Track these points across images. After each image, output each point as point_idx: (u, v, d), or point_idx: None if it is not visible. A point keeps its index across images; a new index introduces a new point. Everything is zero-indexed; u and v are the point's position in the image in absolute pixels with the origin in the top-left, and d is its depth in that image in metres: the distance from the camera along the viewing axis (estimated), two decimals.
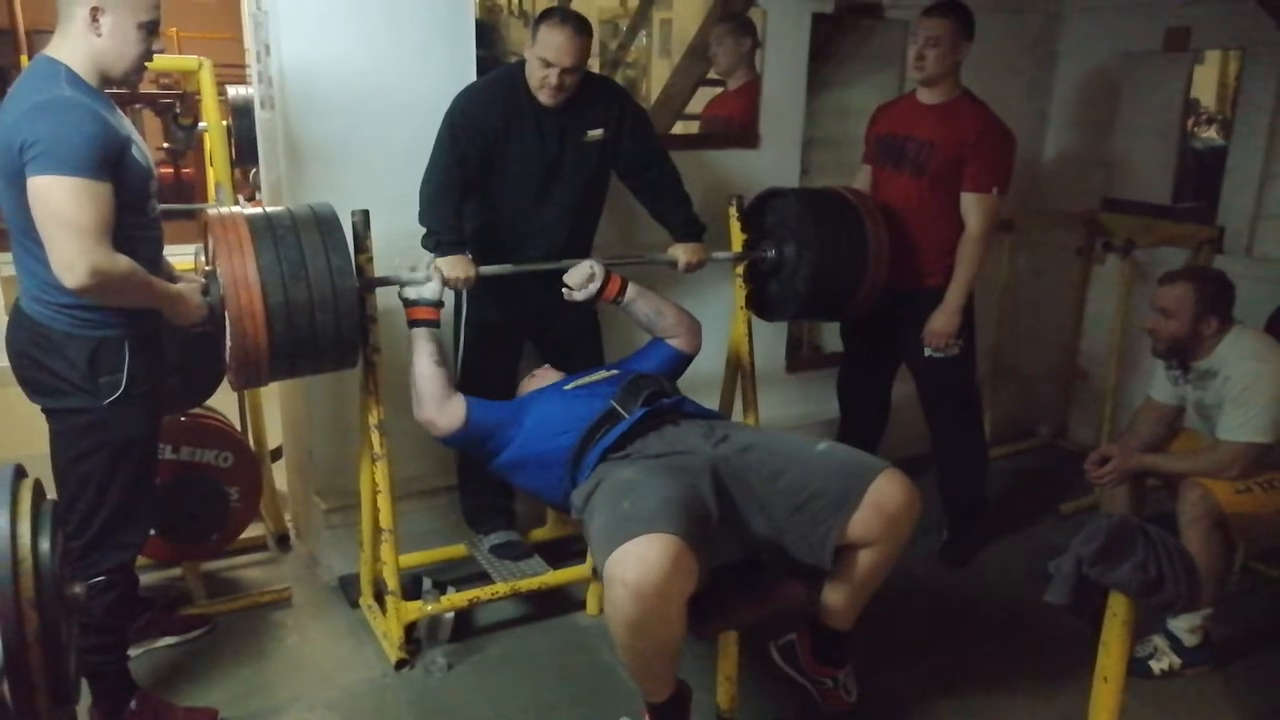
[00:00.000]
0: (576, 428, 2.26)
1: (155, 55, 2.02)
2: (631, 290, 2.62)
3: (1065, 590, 1.88)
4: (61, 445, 2.04)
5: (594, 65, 4.04)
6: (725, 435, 2.22)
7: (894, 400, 3.39)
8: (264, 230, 2.17)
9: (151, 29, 1.97)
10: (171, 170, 6.33)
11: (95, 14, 1.88)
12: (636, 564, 1.75)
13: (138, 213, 1.97)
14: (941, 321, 2.99)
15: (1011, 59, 3.95)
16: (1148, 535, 1.82)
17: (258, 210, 2.26)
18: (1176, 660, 2.58)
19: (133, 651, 2.36)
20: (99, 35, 1.90)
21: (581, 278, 2.57)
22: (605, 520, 1.91)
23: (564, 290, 2.59)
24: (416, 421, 2.41)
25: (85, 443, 2.02)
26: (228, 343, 2.17)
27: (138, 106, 5.39)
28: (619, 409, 2.27)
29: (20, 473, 1.48)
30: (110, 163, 1.85)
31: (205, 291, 2.16)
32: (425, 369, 2.39)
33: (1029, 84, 4.08)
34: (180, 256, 3.36)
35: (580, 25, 2.48)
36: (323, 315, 2.19)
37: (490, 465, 2.42)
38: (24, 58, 5.81)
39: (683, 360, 2.64)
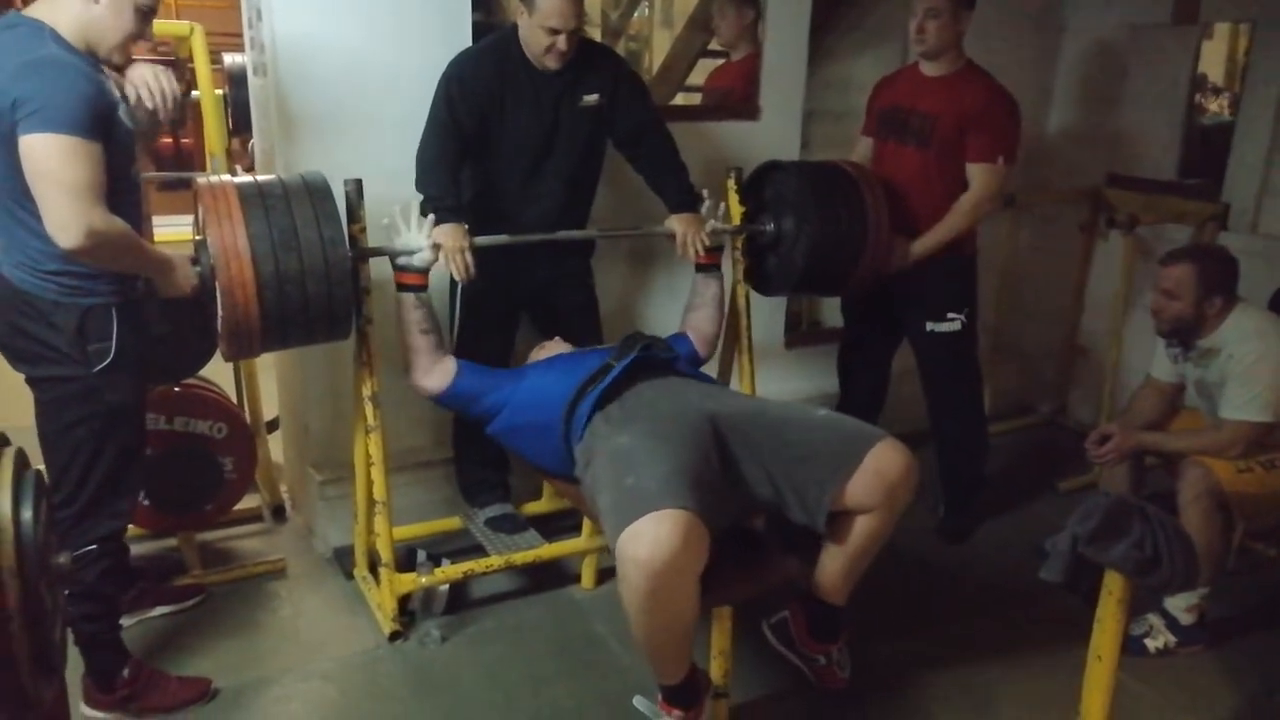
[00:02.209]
0: (571, 385, 2.26)
1: (145, 38, 2.02)
2: (717, 274, 2.81)
3: (1060, 568, 1.87)
4: (49, 414, 2.02)
5: (595, 35, 4.00)
6: (722, 395, 2.24)
7: (893, 375, 3.37)
8: (254, 199, 2.15)
9: (147, 15, 1.96)
10: (171, 139, 6.26)
11: None
12: (649, 542, 1.74)
13: (122, 178, 1.94)
14: (904, 250, 2.95)
15: (1015, 30, 3.88)
16: (1144, 514, 1.80)
17: (248, 179, 2.23)
18: (1172, 639, 2.58)
19: (126, 621, 2.36)
20: (96, 3, 1.88)
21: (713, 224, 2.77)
22: (613, 498, 1.89)
23: (706, 208, 2.75)
24: (411, 391, 2.42)
25: (75, 411, 2.00)
26: (219, 313, 2.14)
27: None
28: (612, 362, 2.28)
29: (2, 441, 1.47)
30: (102, 123, 1.82)
31: (195, 261, 2.14)
32: (411, 340, 2.43)
33: (1033, 56, 4.02)
34: (177, 227, 3.34)
35: None
36: (315, 286, 2.16)
37: (489, 429, 2.43)
38: None
39: (693, 360, 2.65)
